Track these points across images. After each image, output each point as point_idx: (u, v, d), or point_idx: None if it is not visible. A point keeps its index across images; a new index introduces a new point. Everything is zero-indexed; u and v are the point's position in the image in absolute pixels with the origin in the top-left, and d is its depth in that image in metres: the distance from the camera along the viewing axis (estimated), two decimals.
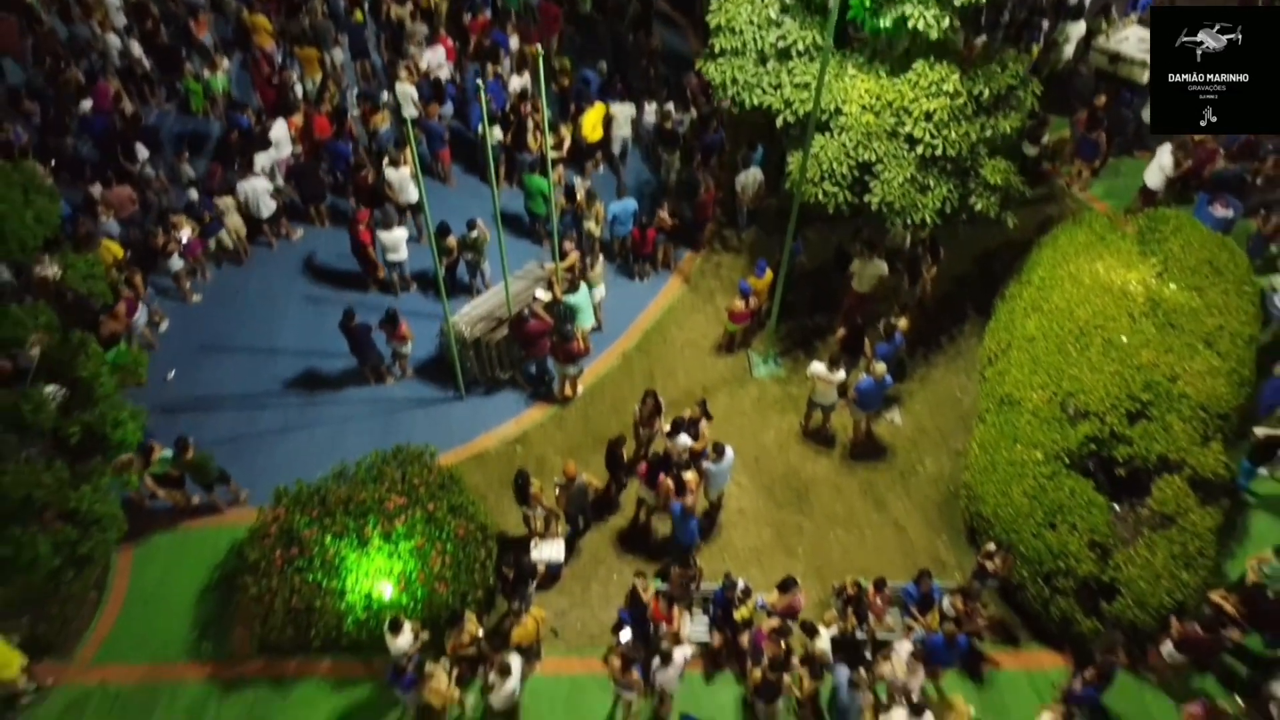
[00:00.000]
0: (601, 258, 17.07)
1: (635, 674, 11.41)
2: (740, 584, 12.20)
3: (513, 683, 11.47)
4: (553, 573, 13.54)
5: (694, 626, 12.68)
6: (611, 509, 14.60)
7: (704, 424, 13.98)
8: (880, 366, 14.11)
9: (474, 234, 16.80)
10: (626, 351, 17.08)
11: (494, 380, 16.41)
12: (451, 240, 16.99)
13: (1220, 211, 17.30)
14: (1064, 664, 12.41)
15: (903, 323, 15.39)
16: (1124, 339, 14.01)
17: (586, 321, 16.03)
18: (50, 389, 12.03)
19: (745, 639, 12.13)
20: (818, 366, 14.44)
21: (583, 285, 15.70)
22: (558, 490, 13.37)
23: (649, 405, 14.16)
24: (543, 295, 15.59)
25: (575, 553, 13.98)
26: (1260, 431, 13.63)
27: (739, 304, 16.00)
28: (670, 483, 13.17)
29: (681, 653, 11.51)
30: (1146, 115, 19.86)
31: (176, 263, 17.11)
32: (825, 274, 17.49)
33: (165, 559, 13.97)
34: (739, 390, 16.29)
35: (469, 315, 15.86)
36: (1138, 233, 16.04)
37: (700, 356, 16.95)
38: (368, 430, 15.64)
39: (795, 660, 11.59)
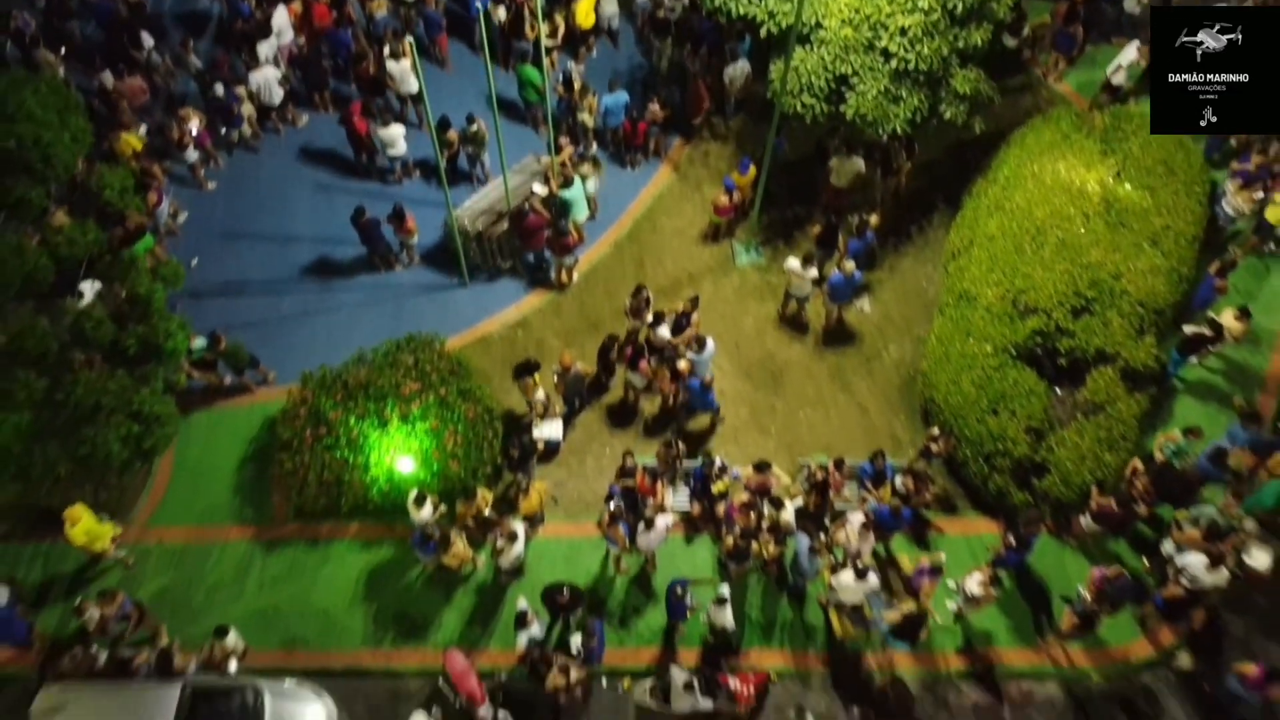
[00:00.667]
0: (595, 148, 18.02)
1: (621, 530, 13.24)
2: (718, 461, 13.93)
3: (519, 546, 13.32)
4: (552, 449, 15.24)
5: (676, 498, 14.48)
6: (603, 391, 16.17)
7: (695, 316, 15.34)
8: (850, 264, 15.38)
9: (473, 128, 17.65)
10: (619, 240, 18.25)
11: (495, 268, 17.68)
12: (452, 134, 17.85)
13: None
14: (998, 531, 14.26)
15: (874, 219, 16.54)
16: (1082, 230, 15.29)
17: (580, 214, 17.12)
18: (87, 285, 13.38)
19: (721, 509, 13.96)
20: (793, 262, 15.70)
21: (576, 179, 16.71)
22: (556, 378, 14.90)
23: (639, 299, 15.47)
24: (539, 190, 16.65)
25: (571, 429, 15.66)
26: (1188, 329, 15.02)
27: (723, 199, 17.09)
28: (648, 367, 14.83)
29: (664, 520, 13.29)
30: (1128, 5, 20.38)
31: (192, 154, 18.02)
32: (806, 165, 18.41)
33: (204, 435, 15.59)
34: (722, 279, 17.57)
35: (471, 209, 16.96)
36: (1102, 131, 16.95)
37: (687, 245, 18.13)
38: (380, 315, 17.01)
39: (763, 529, 13.43)
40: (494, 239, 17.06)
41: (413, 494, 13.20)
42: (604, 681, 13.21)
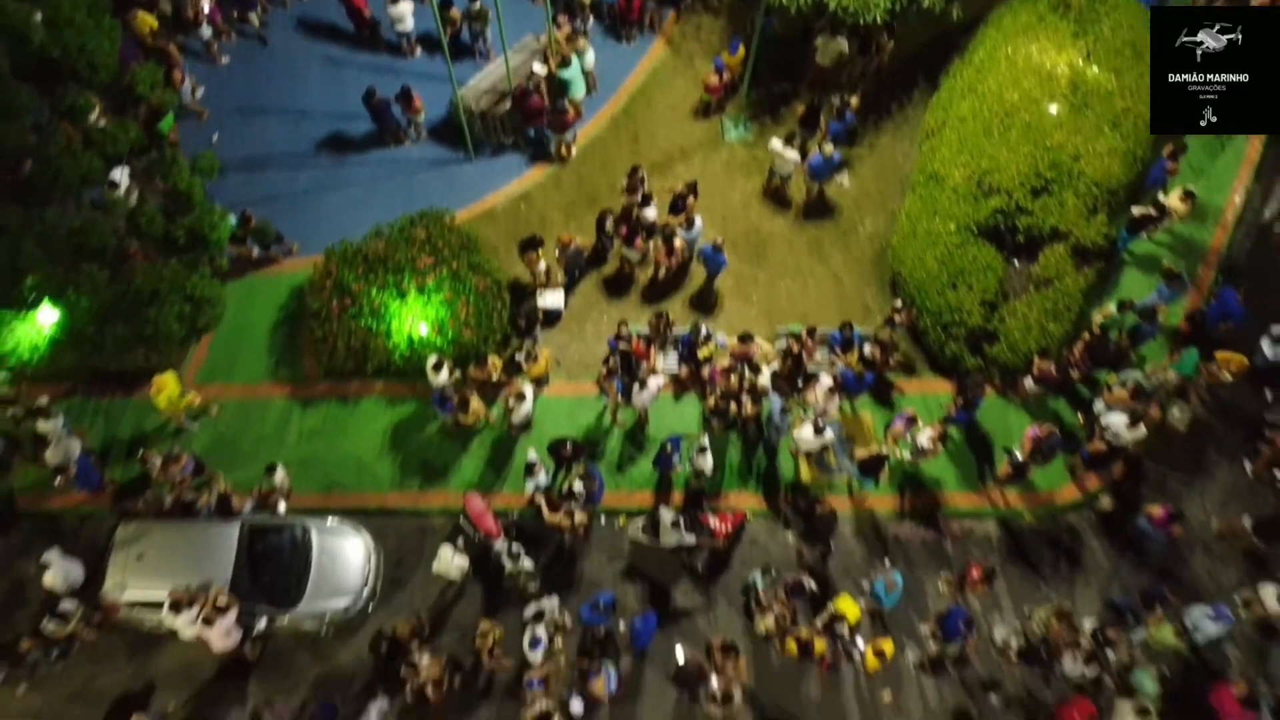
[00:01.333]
0: (591, 22, 18.79)
1: (615, 385, 15.00)
2: (703, 330, 15.55)
3: (527, 405, 15.12)
4: (554, 316, 16.83)
5: (666, 361, 16.17)
6: (601, 262, 17.61)
7: (691, 199, 16.59)
8: (829, 147, 16.54)
9: (476, 6, 18.39)
10: (615, 115, 19.27)
11: (498, 144, 18.78)
12: (455, 12, 18.57)
13: None
14: (951, 391, 16.04)
15: (854, 101, 17.54)
16: (1054, 109, 16.38)
17: (578, 92, 18.07)
18: (118, 173, 14.63)
19: (705, 372, 15.68)
20: (776, 143, 16.86)
21: (574, 58, 17.61)
22: (557, 253, 16.33)
23: (634, 179, 16.67)
24: (539, 70, 17.58)
25: (572, 298, 17.20)
26: (1136, 210, 16.31)
27: (713, 79, 18.05)
28: (643, 243, 16.30)
29: (656, 381, 15.03)
30: None
31: (206, 30, 18.80)
32: (793, 43, 19.19)
33: (238, 303, 17.08)
34: (712, 154, 18.70)
35: (474, 89, 17.94)
36: (1077, 11, 17.67)
37: (679, 120, 19.16)
38: (392, 190, 18.25)
39: (743, 390, 15.19)
40: (497, 116, 18.11)
41: (431, 360, 14.87)
42: (603, 520, 15.30)
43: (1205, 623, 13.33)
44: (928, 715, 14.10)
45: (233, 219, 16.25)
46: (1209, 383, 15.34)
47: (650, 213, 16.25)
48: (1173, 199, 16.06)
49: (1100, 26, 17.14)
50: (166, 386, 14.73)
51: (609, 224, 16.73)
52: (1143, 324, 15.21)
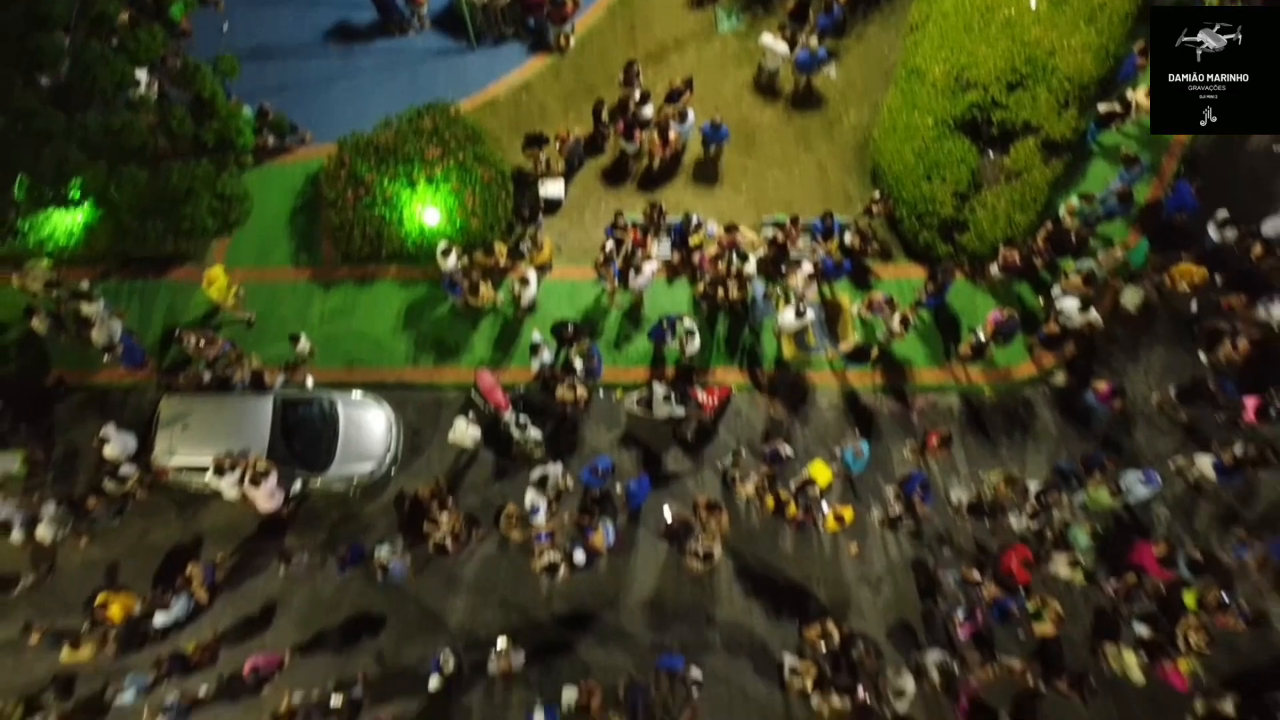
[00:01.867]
0: None
1: (612, 270, 16.27)
2: (695, 219, 16.69)
3: (532, 289, 16.42)
4: (555, 204, 17.93)
5: (660, 248, 17.36)
6: (599, 150, 18.57)
7: (687, 94, 17.43)
8: (814, 41, 17.30)
9: None
10: (611, 5, 19.82)
11: (500, 34, 19.43)
12: None
13: None
14: (924, 277, 17.27)
15: None
16: (1034, 3, 17.07)
17: None
18: (141, 73, 15.51)
19: (696, 259, 16.90)
20: (766, 38, 17.61)
21: None
22: (558, 145, 17.31)
23: (630, 72, 17.45)
24: None
25: (572, 186, 18.25)
26: (1102, 107, 17.17)
27: None
28: (641, 136, 17.29)
29: (650, 266, 16.30)
30: None
31: None
32: None
33: (258, 192, 18.08)
34: (705, 45, 19.38)
35: None
36: None
37: (674, 10, 19.74)
38: (398, 80, 19.05)
39: (730, 276, 16.46)
40: (498, 7, 18.73)
41: (440, 246, 16.09)
42: (601, 394, 16.83)
43: (1137, 486, 14.99)
44: (889, 565, 16.01)
45: (248, 110, 17.16)
46: (1166, 289, 16.60)
47: (647, 110, 17.11)
48: (1139, 94, 16.92)
49: None
50: (217, 280, 15.99)
51: (604, 113, 17.65)
52: (1116, 205, 16.43)
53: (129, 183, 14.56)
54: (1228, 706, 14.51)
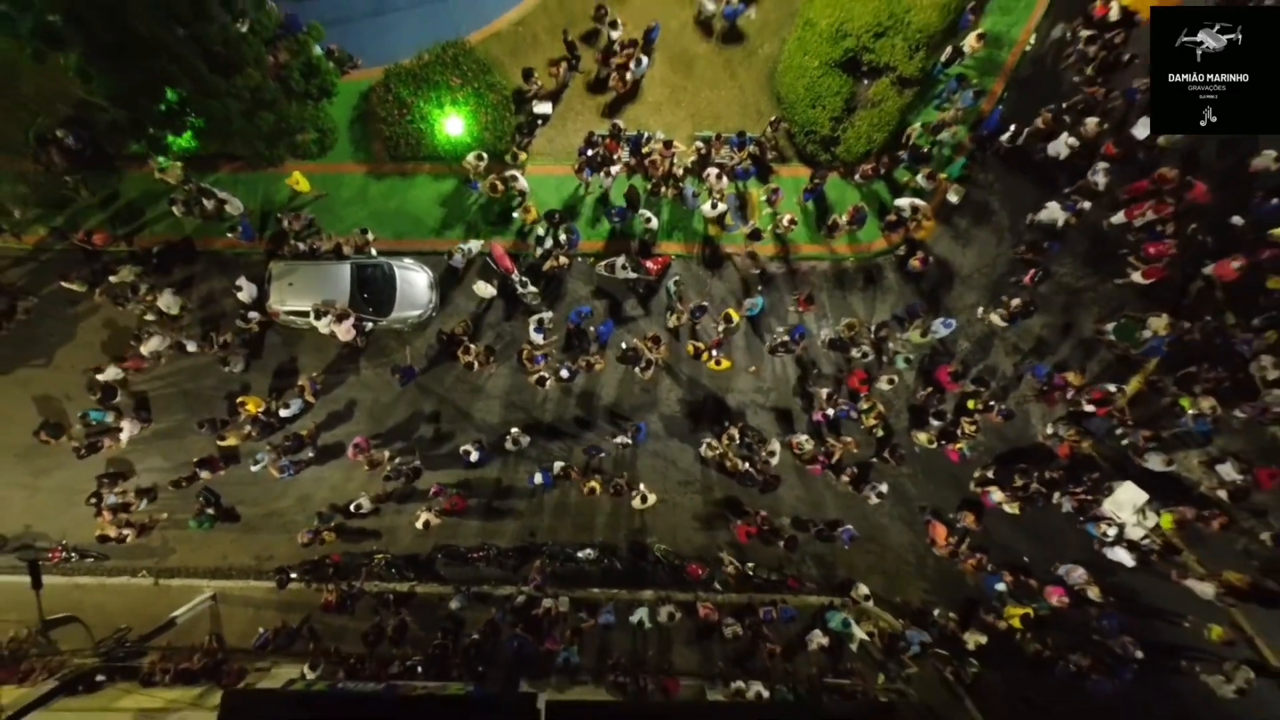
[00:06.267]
0: None
1: (585, 174, 22.50)
2: (645, 134, 22.81)
3: (524, 182, 22.68)
4: (545, 119, 23.93)
5: (623, 153, 23.52)
6: (576, 68, 24.31)
7: (641, 44, 23.07)
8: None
9: None
10: None
11: None
12: None
13: None
14: (808, 175, 23.59)
15: None
16: None
17: None
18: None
19: (648, 162, 23.12)
20: None
21: None
22: (551, 75, 23.19)
23: (599, 11, 22.75)
24: None
25: (558, 103, 24.17)
26: (943, 56, 23.01)
27: None
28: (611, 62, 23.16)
29: (614, 169, 22.59)
30: None
31: None
32: None
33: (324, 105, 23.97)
34: None
35: None
36: None
37: None
38: (425, 14, 24.33)
39: (670, 175, 22.81)
40: None
41: (469, 156, 22.20)
42: (579, 260, 23.45)
43: (940, 327, 22.01)
44: (776, 379, 23.30)
45: (319, 49, 22.78)
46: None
47: (615, 33, 22.56)
48: (970, 40, 22.67)
49: None
50: (301, 179, 22.26)
51: (573, 38, 23.29)
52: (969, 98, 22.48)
53: (259, 121, 20.31)
54: (989, 473, 22.34)
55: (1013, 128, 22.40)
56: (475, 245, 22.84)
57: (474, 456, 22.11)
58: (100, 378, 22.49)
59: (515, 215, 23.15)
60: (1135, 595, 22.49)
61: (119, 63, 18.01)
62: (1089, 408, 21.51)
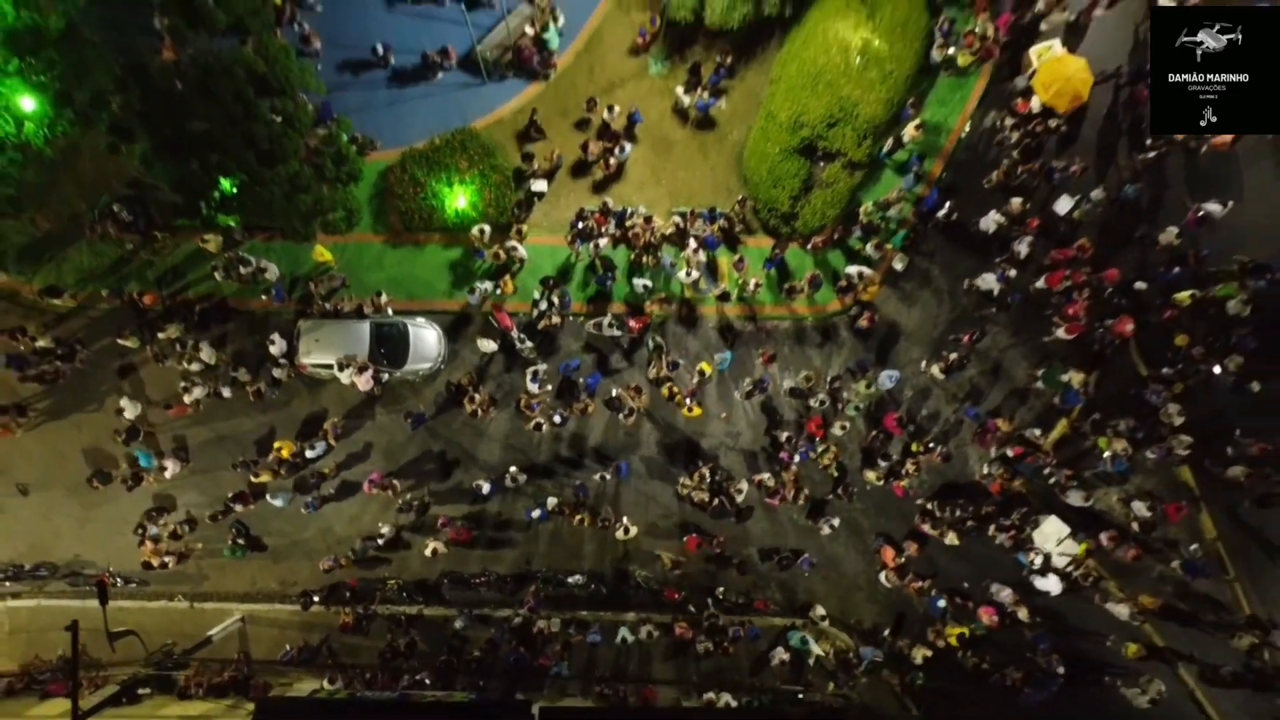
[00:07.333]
0: None
1: (577, 245, 25.70)
2: (628, 210, 26.01)
3: (523, 251, 25.85)
4: (540, 196, 27.13)
5: (609, 228, 26.68)
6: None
7: (626, 130, 26.45)
8: (706, 94, 26.28)
9: None
10: (579, 50, 28.16)
11: (503, 74, 28.10)
12: None
13: None
14: (771, 246, 26.77)
15: (728, 59, 26.94)
16: (858, 60, 25.96)
17: (554, 45, 27.28)
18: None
19: (631, 234, 26.27)
20: (679, 90, 26.55)
21: (551, 24, 26.73)
22: (545, 157, 26.48)
23: (591, 103, 26.14)
24: (530, 31, 26.76)
25: (553, 182, 27.39)
26: (886, 145, 26.36)
27: (639, 39, 27.33)
28: (596, 149, 26.46)
29: (602, 241, 25.77)
30: None
31: None
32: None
33: None
34: (641, 81, 27.88)
35: (489, 43, 26.94)
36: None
37: (619, 57, 27.92)
38: (436, 103, 27.34)
39: (650, 245, 25.99)
40: (504, 63, 27.46)
41: (474, 229, 25.39)
42: (570, 319, 26.53)
43: (885, 380, 25.10)
44: (749, 424, 26.36)
45: (345, 138, 26.04)
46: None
47: (610, 114, 25.87)
48: (909, 130, 26.00)
49: (884, 10, 26.04)
50: (325, 252, 25.46)
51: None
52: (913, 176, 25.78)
53: (298, 202, 23.46)
54: (930, 505, 25.31)
55: (948, 205, 25.62)
56: (488, 285, 25.93)
57: (485, 489, 25.07)
58: (126, 416, 25.46)
59: (497, 289, 26.20)
60: (1063, 617, 25.31)
61: (180, 154, 21.28)
62: (1011, 454, 24.52)
